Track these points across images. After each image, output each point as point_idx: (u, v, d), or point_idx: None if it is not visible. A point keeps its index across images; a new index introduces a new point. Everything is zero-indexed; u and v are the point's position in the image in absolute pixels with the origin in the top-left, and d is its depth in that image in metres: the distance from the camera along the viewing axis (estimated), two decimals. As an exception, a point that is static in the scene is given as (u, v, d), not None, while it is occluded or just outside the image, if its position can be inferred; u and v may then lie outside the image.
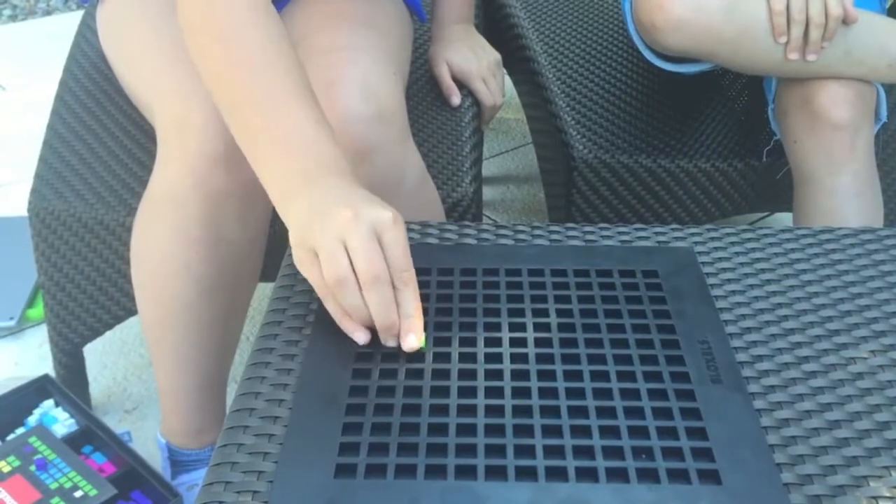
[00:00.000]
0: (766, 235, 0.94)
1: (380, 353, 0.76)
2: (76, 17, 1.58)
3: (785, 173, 1.34)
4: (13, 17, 2.68)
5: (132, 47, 1.14)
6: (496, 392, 0.72)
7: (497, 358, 0.75)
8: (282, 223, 0.82)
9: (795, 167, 1.26)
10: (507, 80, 1.78)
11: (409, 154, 1.07)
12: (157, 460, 1.21)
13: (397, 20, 1.22)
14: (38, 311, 1.55)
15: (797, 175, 1.25)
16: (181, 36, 0.93)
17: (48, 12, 2.72)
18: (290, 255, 0.90)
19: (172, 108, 1.02)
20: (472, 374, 0.74)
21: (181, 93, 1.01)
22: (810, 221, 1.22)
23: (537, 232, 0.93)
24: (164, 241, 1.03)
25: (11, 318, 1.52)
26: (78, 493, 1.08)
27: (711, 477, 0.65)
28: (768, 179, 1.41)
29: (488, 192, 1.98)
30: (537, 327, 0.79)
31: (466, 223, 0.95)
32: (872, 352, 0.78)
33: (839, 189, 1.21)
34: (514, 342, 0.77)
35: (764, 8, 1.18)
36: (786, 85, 1.27)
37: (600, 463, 0.65)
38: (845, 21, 1.18)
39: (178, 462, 1.19)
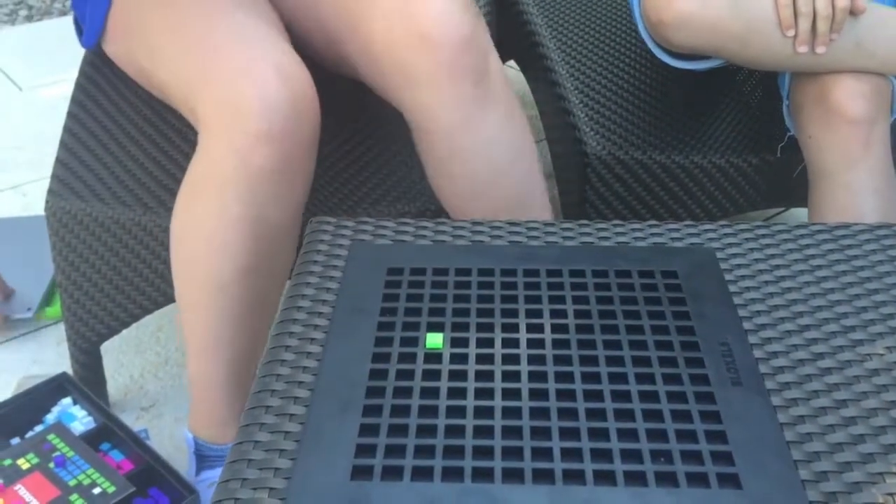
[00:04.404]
0: (781, 231, 0.93)
1: (397, 353, 0.76)
2: (91, 16, 1.59)
3: (802, 170, 1.34)
4: (29, 18, 2.69)
5: (156, 39, 1.15)
6: (513, 394, 0.72)
7: (514, 359, 0.75)
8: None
9: (810, 163, 1.25)
10: (521, 77, 1.78)
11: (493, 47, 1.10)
12: (174, 458, 1.22)
13: None
14: (55, 309, 1.56)
15: (812, 171, 1.25)
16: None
17: (64, 13, 2.73)
18: (304, 252, 0.91)
19: (214, 89, 1.03)
20: (489, 376, 0.74)
21: (221, 74, 1.03)
22: (826, 218, 1.21)
23: (550, 229, 0.93)
24: (205, 219, 1.05)
25: (29, 310, 1.54)
26: (96, 490, 1.09)
27: (731, 481, 0.65)
28: (783, 175, 1.41)
29: (502, 188, 1.98)
30: (555, 328, 0.79)
31: (479, 220, 0.95)
32: (889, 348, 0.78)
33: (855, 185, 1.20)
34: (532, 343, 0.77)
35: (770, 2, 1.17)
36: (800, 80, 1.26)
37: (618, 466, 0.65)
38: (853, 12, 1.17)
39: (204, 457, 1.19)
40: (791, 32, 1.17)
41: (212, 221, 1.04)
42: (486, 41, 1.07)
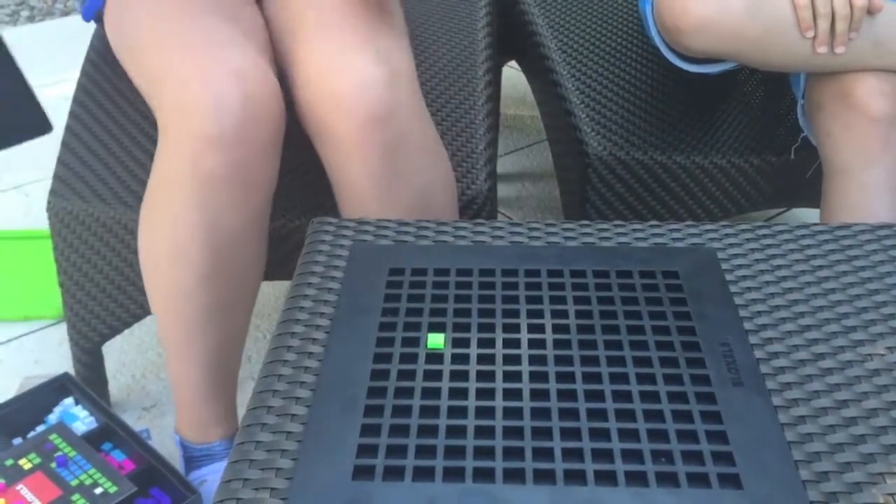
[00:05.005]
0: (782, 231, 0.93)
1: (398, 353, 0.76)
2: (92, 17, 1.59)
3: (815, 171, 1.34)
4: (31, 18, 2.69)
5: (135, 37, 1.15)
6: (514, 394, 0.72)
7: (516, 360, 0.76)
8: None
9: (827, 160, 1.25)
10: (522, 77, 1.78)
11: (423, 116, 1.09)
12: (175, 457, 1.22)
13: None
14: (57, 309, 1.57)
15: (828, 169, 1.25)
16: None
17: (66, 13, 2.73)
18: (306, 253, 0.91)
19: (169, 92, 1.02)
20: (490, 376, 0.74)
21: (178, 75, 1.02)
22: (839, 216, 1.21)
23: (551, 230, 0.93)
24: (162, 226, 1.04)
25: None
26: (98, 490, 1.09)
27: (732, 481, 0.65)
28: (784, 175, 1.41)
29: (503, 190, 1.98)
30: (556, 328, 0.79)
31: (481, 221, 0.95)
32: (890, 348, 0.78)
33: (871, 183, 1.20)
34: (533, 343, 0.77)
35: (787, 4, 1.17)
36: (819, 79, 1.26)
37: (619, 466, 0.65)
38: (870, 11, 1.18)
39: (190, 458, 1.20)
40: (810, 34, 1.17)
41: (169, 227, 1.03)
42: (405, 121, 1.04)
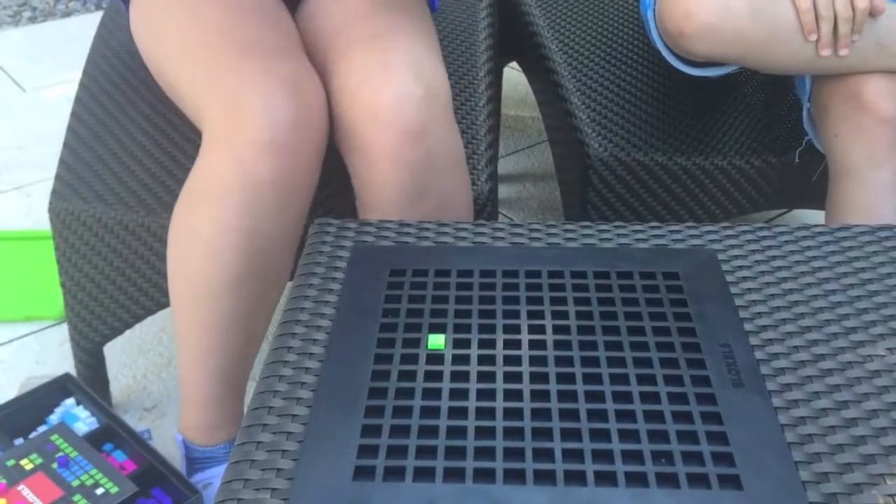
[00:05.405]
0: (782, 233, 0.93)
1: (399, 354, 0.76)
2: (95, 18, 1.59)
3: (812, 173, 1.34)
4: (33, 19, 2.70)
5: (172, 40, 1.15)
6: (515, 395, 0.72)
7: (516, 360, 0.76)
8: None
9: (834, 161, 1.25)
10: (523, 78, 1.78)
11: (454, 133, 1.11)
12: (176, 458, 1.23)
13: (425, 7, 1.26)
14: (58, 310, 1.57)
15: (835, 169, 1.25)
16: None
17: (67, 14, 2.73)
18: (307, 254, 0.91)
19: (221, 99, 1.04)
20: (490, 377, 0.74)
21: (228, 85, 1.04)
22: (846, 217, 1.21)
23: (552, 231, 0.93)
24: (201, 226, 1.05)
25: None
26: (99, 491, 1.09)
27: (732, 482, 0.65)
28: (786, 176, 1.41)
29: (504, 190, 1.98)
30: (557, 329, 0.79)
31: (482, 221, 0.95)
32: (890, 349, 0.78)
33: (879, 184, 1.20)
34: (534, 344, 0.77)
35: (790, 8, 1.17)
36: (826, 81, 1.26)
37: (619, 467, 0.66)
38: (872, 13, 1.18)
39: (193, 459, 1.20)
40: (813, 37, 1.18)
41: (207, 229, 1.04)
42: (437, 137, 1.06)
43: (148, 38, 1.23)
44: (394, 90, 1.04)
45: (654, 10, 1.28)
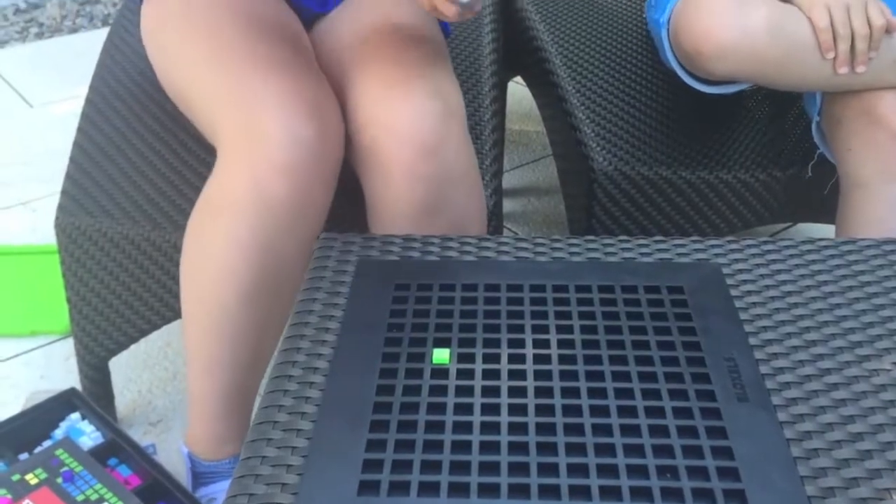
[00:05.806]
0: (787, 247, 0.93)
1: (403, 368, 0.76)
2: (102, 34, 1.60)
3: (823, 187, 1.34)
4: (40, 35, 2.71)
5: (190, 52, 1.15)
6: (520, 409, 0.72)
7: (521, 375, 0.76)
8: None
9: (846, 175, 1.25)
10: (527, 93, 1.79)
11: (469, 151, 1.11)
12: (181, 473, 1.22)
13: (438, 28, 1.27)
14: (64, 324, 1.57)
15: (847, 183, 1.25)
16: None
17: (74, 30, 2.75)
18: (312, 268, 0.91)
19: (240, 115, 1.05)
20: (495, 391, 0.74)
21: (249, 102, 1.04)
22: (857, 230, 1.21)
23: (557, 245, 0.93)
24: (214, 241, 1.05)
25: None
26: (104, 506, 1.09)
27: (737, 497, 0.65)
28: (790, 190, 1.41)
29: (508, 204, 1.99)
30: (561, 344, 0.79)
31: (486, 236, 0.95)
32: (895, 363, 0.78)
33: (890, 198, 1.20)
34: (538, 359, 0.77)
35: (807, 26, 1.18)
36: (839, 95, 1.26)
37: (624, 482, 0.65)
38: (889, 30, 1.19)
39: (198, 474, 1.20)
40: (831, 55, 1.18)
41: (220, 245, 1.05)
42: (452, 153, 1.06)
43: (161, 50, 1.22)
44: (413, 106, 1.04)
45: (667, 29, 1.28)
